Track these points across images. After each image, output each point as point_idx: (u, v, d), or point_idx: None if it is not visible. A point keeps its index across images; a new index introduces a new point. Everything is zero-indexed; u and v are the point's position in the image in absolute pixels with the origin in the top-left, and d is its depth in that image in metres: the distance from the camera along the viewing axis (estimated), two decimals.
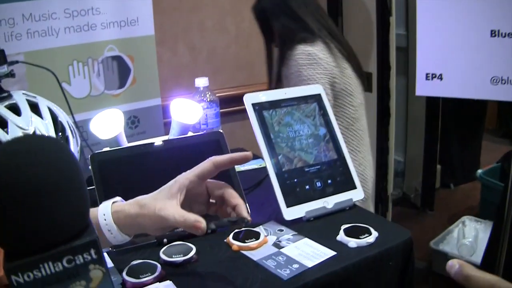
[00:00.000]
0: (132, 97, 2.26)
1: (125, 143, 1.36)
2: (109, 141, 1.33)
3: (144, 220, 0.93)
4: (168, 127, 2.03)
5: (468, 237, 2.93)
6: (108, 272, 0.60)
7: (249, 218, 0.94)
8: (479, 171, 3.36)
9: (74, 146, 1.34)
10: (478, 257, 2.76)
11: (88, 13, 1.99)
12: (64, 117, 1.37)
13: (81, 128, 1.89)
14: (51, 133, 1.28)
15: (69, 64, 2.03)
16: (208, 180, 0.98)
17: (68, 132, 1.34)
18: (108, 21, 2.05)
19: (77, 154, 1.33)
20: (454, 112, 3.88)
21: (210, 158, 0.97)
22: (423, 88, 1.93)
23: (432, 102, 3.53)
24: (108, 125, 1.33)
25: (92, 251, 0.57)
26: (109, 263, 1.10)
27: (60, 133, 1.31)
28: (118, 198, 0.99)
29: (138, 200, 0.95)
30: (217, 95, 1.73)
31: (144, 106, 2.29)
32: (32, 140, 0.63)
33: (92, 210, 0.96)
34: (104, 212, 0.94)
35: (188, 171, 0.97)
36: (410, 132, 3.74)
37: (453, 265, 0.60)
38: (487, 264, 2.32)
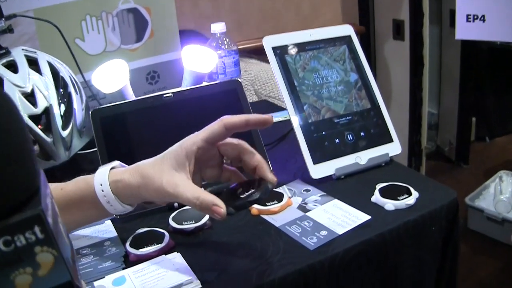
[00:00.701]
0: (151, 51, 2.10)
1: (132, 97, 1.19)
2: (114, 95, 1.17)
3: (147, 193, 0.77)
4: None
5: (505, 193, 2.73)
6: (61, 255, 0.43)
7: (274, 179, 0.77)
8: None
9: (77, 103, 1.18)
10: None
11: None
12: (66, 72, 1.22)
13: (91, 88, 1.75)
14: (51, 89, 1.13)
15: (81, 20, 1.87)
16: (214, 136, 0.79)
17: (71, 88, 1.18)
18: None
19: (81, 112, 1.18)
20: (490, 62, 3.64)
21: (221, 118, 0.79)
22: (464, 31, 1.72)
23: (467, 51, 3.29)
24: (112, 78, 1.17)
25: (37, 229, 0.41)
26: (113, 233, 0.95)
27: (61, 89, 1.16)
28: (116, 163, 0.83)
29: (140, 168, 0.79)
30: (241, 47, 1.55)
31: (164, 60, 2.13)
32: None
33: (87, 179, 0.81)
34: (101, 182, 0.79)
35: (195, 133, 0.79)
36: (444, 83, 3.51)
37: None
38: None
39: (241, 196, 0.75)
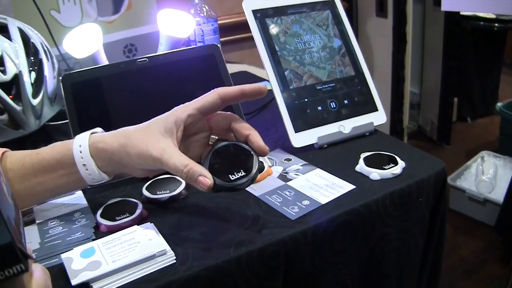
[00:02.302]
0: (128, 24, 2.04)
1: (105, 63, 1.13)
2: (86, 60, 1.11)
3: (129, 158, 0.73)
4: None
5: (487, 173, 2.71)
6: (1, 214, 0.38)
7: (266, 148, 0.75)
8: (499, 104, 3.12)
9: (49, 70, 1.12)
10: (497, 194, 2.57)
11: None
12: (37, 39, 1.15)
13: (73, 59, 1.68)
14: (21, 56, 1.06)
15: None
16: (207, 107, 0.76)
17: (42, 55, 1.12)
18: None
19: (53, 80, 1.11)
20: (473, 42, 3.62)
21: (215, 89, 0.75)
22: (449, 3, 1.68)
23: (450, 30, 3.25)
24: (84, 42, 1.10)
25: None
26: (83, 204, 0.89)
27: (32, 57, 1.09)
28: (98, 129, 0.79)
29: (124, 131, 0.75)
30: (221, 21, 1.49)
31: (142, 33, 2.07)
32: None
33: (66, 142, 0.77)
34: (80, 143, 0.75)
35: (187, 103, 0.75)
36: (427, 63, 3.48)
37: None
38: (510, 202, 2.11)
39: (231, 178, 0.72)
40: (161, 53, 1.06)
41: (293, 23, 1.09)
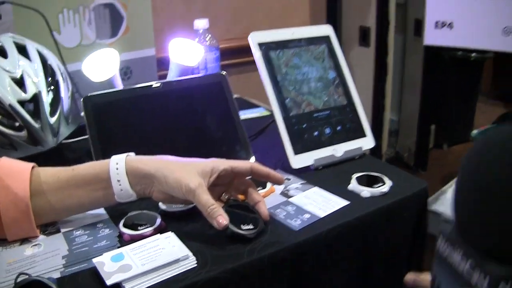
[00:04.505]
0: (125, 47, 2.14)
1: (121, 87, 1.25)
2: (103, 84, 1.23)
3: (164, 180, 0.87)
4: (162, 80, 1.92)
5: None
6: None
7: (268, 217, 0.93)
8: (474, 131, 3.29)
9: (64, 91, 1.23)
10: None
11: None
12: (54, 61, 1.27)
13: (73, 79, 1.79)
14: (40, 76, 1.17)
15: (59, 12, 1.90)
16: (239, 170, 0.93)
17: (59, 76, 1.23)
18: None
19: (67, 100, 1.23)
20: (451, 72, 3.80)
21: (252, 162, 0.96)
22: (432, 37, 1.84)
23: (429, 60, 3.43)
24: (102, 66, 1.23)
25: None
26: (104, 215, 1.01)
27: (50, 77, 1.21)
28: (132, 154, 0.93)
29: (163, 157, 0.90)
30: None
31: (138, 57, 2.18)
32: None
33: (102, 161, 0.91)
34: (117, 161, 0.89)
35: (226, 160, 0.92)
36: (406, 91, 3.64)
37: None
38: None
39: (242, 227, 0.89)
40: (174, 79, 1.19)
41: (294, 55, 1.23)
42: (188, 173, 0.86)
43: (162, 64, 2.10)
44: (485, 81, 4.67)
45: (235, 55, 2.00)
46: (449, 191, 3.03)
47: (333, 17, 2.95)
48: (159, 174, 0.87)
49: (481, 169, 0.48)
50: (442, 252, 0.53)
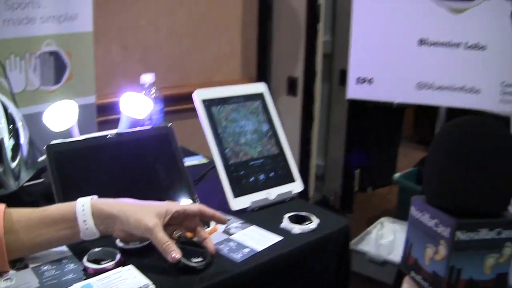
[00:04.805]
0: (68, 94, 2.24)
1: (78, 136, 1.42)
2: (62, 133, 1.39)
3: (126, 221, 1.05)
4: (101, 126, 2.07)
5: (386, 237, 3.12)
6: None
7: (214, 252, 1.12)
8: (397, 174, 3.58)
9: (24, 137, 1.37)
10: (396, 256, 2.95)
11: (28, 6, 2.00)
12: (13, 108, 1.41)
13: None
14: (2, 123, 1.31)
15: (6, 58, 2.01)
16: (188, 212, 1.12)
17: (18, 123, 1.38)
18: (47, 15, 2.06)
19: (25, 146, 1.37)
20: (374, 119, 4.11)
21: (200, 204, 1.15)
22: (354, 92, 2.11)
23: (353, 108, 3.72)
24: (62, 117, 1.40)
25: None
26: (68, 252, 1.16)
27: (11, 124, 1.35)
28: (95, 197, 1.09)
29: (124, 200, 1.09)
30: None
31: (79, 104, 2.29)
32: None
33: (69, 203, 1.07)
34: (83, 203, 1.06)
35: (178, 204, 1.15)
36: (331, 137, 3.92)
37: None
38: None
39: (192, 260, 1.08)
40: (126, 131, 1.38)
41: (232, 111, 1.45)
42: (146, 214, 1.05)
43: (101, 110, 2.26)
44: (407, 126, 5.04)
45: (170, 103, 2.16)
46: (373, 232, 3.29)
47: (263, 68, 3.19)
48: (121, 215, 1.05)
49: (448, 148, 0.68)
50: (414, 216, 0.71)
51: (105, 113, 2.28)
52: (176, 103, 2.44)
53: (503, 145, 0.66)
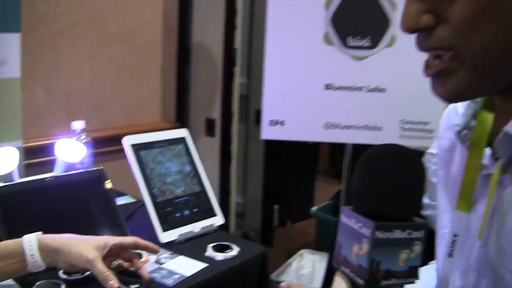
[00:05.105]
0: None
1: (18, 178, 1.59)
2: (3, 177, 1.56)
3: (69, 254, 1.22)
4: (28, 169, 2.20)
5: (306, 268, 3.35)
6: None
7: (148, 279, 1.30)
8: (314, 208, 3.83)
9: None
10: (316, 285, 3.18)
11: None
12: None
13: None
14: None
15: None
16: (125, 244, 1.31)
17: None
18: None
19: None
20: (290, 155, 4.38)
21: (135, 238, 1.33)
22: (268, 133, 2.35)
23: (269, 146, 3.96)
24: (3, 162, 1.56)
25: None
26: (15, 285, 1.33)
27: None
28: (39, 233, 1.26)
29: (67, 235, 1.26)
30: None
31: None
32: None
33: (17, 239, 1.24)
34: (30, 240, 1.22)
35: (115, 237, 1.31)
36: (250, 175, 4.14)
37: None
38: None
39: (130, 287, 1.30)
40: (63, 174, 1.57)
41: (158, 154, 1.66)
42: (87, 248, 1.24)
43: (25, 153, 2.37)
44: (322, 162, 5.37)
45: (94, 146, 2.29)
46: (294, 263, 3.52)
47: (182, 110, 3.38)
48: (64, 249, 1.23)
49: (369, 167, 0.84)
50: (343, 222, 0.85)
51: (31, 156, 2.39)
52: (99, 146, 2.55)
53: (411, 164, 0.83)
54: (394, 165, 0.82)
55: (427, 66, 0.75)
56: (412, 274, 0.81)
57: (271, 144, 3.94)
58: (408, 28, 0.72)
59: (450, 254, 0.91)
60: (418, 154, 1.14)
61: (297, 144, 4.21)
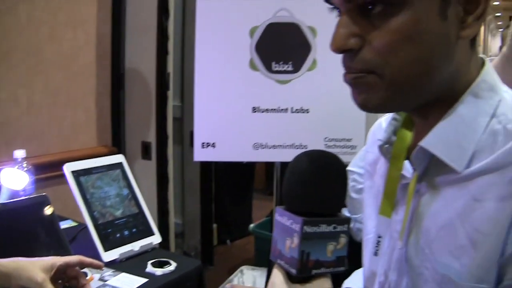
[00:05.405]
0: None
1: None
2: None
3: (19, 277, 1.33)
4: None
5: (248, 283, 3.50)
6: None
7: None
8: (252, 225, 4.00)
9: None
10: None
11: None
12: None
13: None
14: None
15: None
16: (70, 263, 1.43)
17: None
18: None
19: None
20: (226, 175, 4.56)
21: (80, 256, 1.44)
22: (200, 155, 2.52)
23: (205, 166, 4.15)
24: None
25: None
26: None
27: None
28: None
29: (17, 259, 1.37)
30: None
31: None
32: None
33: None
34: None
35: (61, 257, 1.42)
36: (187, 195, 4.30)
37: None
38: None
39: None
40: (7, 201, 1.70)
41: (97, 179, 1.81)
42: (36, 271, 1.37)
43: None
44: (258, 180, 5.55)
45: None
46: (234, 280, 3.67)
47: (117, 135, 3.49)
48: (15, 273, 1.36)
49: (294, 172, 0.92)
50: (277, 220, 0.93)
51: None
52: (38, 172, 2.57)
53: (333, 166, 0.92)
54: (318, 166, 0.90)
55: (348, 72, 0.84)
56: (339, 263, 0.89)
57: (208, 165, 4.16)
58: (337, 48, 0.81)
59: (375, 253, 1.01)
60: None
61: (233, 164, 4.42)
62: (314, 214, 0.88)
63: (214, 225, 4.47)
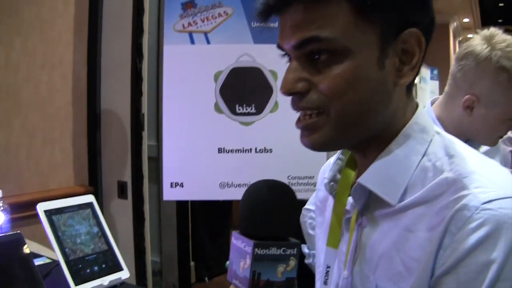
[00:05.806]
0: None
1: None
2: None
3: None
4: None
5: None
6: None
7: None
8: (228, 262, 4.14)
9: None
10: None
11: None
12: None
13: None
14: None
15: None
16: None
17: None
18: None
19: None
20: (203, 212, 4.72)
21: None
22: (169, 194, 2.71)
23: (182, 204, 4.29)
24: None
25: None
26: None
27: None
28: None
29: None
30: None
31: None
32: None
33: None
34: None
35: None
36: (164, 233, 4.40)
37: None
38: None
39: None
40: None
41: (69, 218, 1.99)
42: None
43: None
44: (235, 217, 5.72)
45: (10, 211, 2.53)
46: None
47: (94, 174, 3.65)
48: None
49: (248, 199, 1.03)
50: (233, 243, 1.02)
51: None
52: (15, 211, 2.65)
53: (283, 193, 1.03)
54: (269, 194, 1.00)
55: (299, 120, 0.96)
56: (289, 284, 0.98)
57: (184, 202, 4.30)
58: (286, 91, 0.92)
59: (325, 282, 1.10)
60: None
61: (209, 201, 4.56)
62: (267, 238, 0.97)
63: (192, 263, 4.59)
